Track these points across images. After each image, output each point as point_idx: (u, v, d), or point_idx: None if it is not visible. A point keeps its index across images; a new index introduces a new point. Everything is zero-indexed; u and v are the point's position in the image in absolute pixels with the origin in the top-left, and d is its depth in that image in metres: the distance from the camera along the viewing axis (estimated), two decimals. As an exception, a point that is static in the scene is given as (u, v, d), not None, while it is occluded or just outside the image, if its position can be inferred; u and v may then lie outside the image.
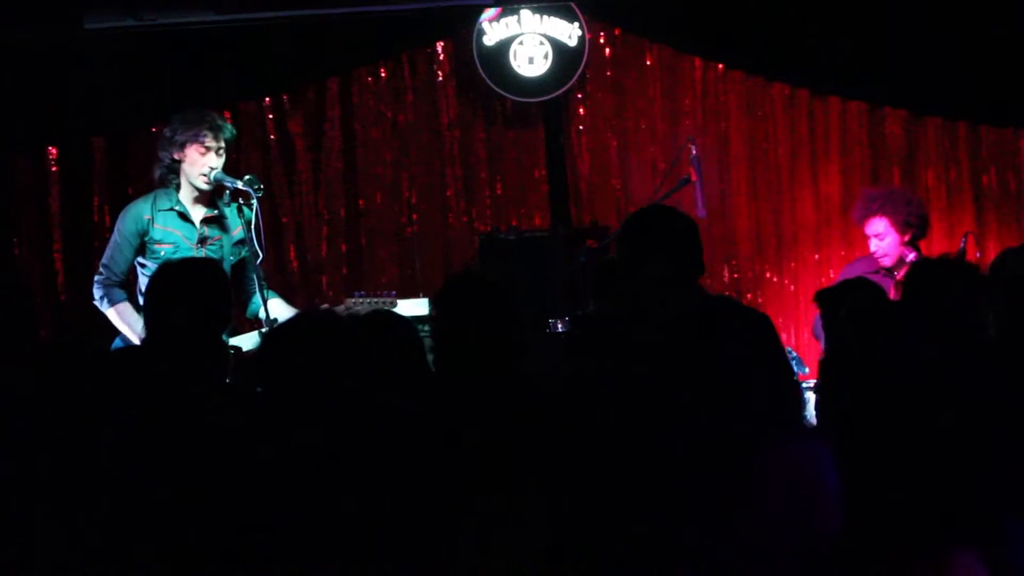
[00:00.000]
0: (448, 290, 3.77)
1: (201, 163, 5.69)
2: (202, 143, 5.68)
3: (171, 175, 5.75)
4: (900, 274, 6.58)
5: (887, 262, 6.63)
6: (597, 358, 3.48)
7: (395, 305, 5.82)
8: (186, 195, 5.78)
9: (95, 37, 7.16)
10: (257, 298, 5.68)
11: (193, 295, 4.02)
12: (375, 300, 5.83)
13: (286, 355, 3.10)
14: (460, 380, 3.45)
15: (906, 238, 6.63)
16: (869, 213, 6.65)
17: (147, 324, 4.09)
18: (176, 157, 5.71)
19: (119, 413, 3.04)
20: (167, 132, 5.77)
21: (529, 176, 7.94)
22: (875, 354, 3.28)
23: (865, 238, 6.80)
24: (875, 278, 6.58)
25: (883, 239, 6.61)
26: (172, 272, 4.20)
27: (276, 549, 2.78)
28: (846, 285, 4.62)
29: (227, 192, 5.76)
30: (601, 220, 7.76)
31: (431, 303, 3.84)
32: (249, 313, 5.88)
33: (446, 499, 2.82)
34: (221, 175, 5.69)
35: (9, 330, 3.91)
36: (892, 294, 6.53)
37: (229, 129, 5.82)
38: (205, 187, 5.73)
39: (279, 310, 5.76)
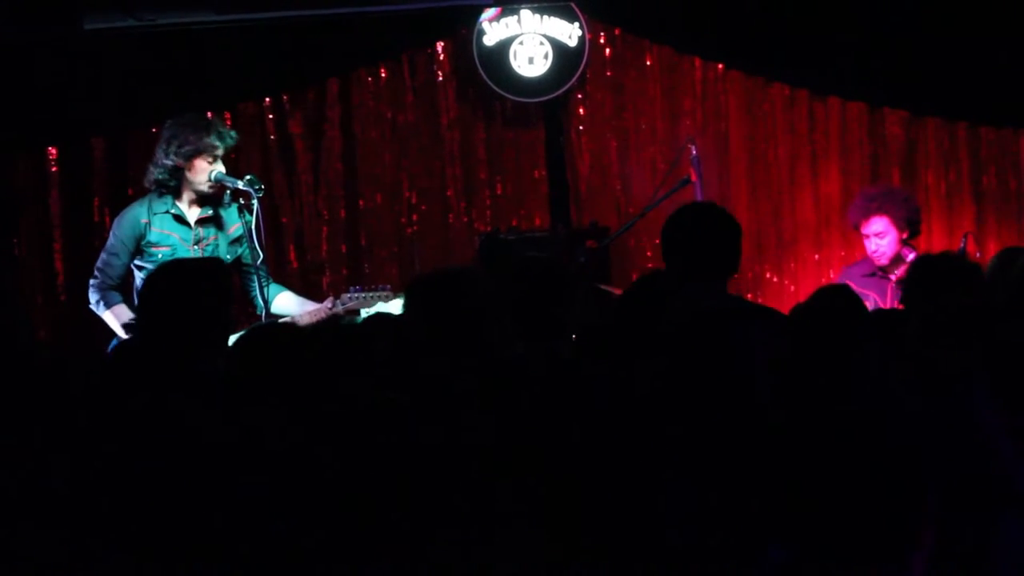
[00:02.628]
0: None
1: (207, 171, 5.71)
2: (212, 153, 5.69)
3: (171, 180, 5.74)
4: (896, 275, 6.58)
5: (884, 260, 6.62)
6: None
7: (391, 299, 5.84)
8: (184, 198, 5.79)
9: (95, 37, 7.15)
10: (258, 296, 5.71)
11: (193, 295, 4.01)
12: (371, 295, 5.87)
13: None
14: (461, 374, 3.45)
15: (904, 236, 6.63)
16: (869, 212, 6.64)
17: (142, 323, 4.07)
18: (181, 166, 5.70)
19: (110, 416, 3.03)
20: (172, 141, 5.70)
21: (529, 176, 7.94)
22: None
23: (862, 239, 6.80)
24: (871, 280, 6.61)
25: (883, 237, 6.61)
26: (172, 272, 4.19)
27: (271, 550, 2.77)
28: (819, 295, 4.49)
29: (228, 192, 5.78)
30: (601, 220, 7.76)
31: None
32: (259, 311, 5.90)
33: (445, 495, 2.82)
34: (222, 176, 5.72)
35: None
36: (889, 295, 6.54)
37: (232, 136, 5.83)
38: (209, 190, 5.74)
39: (289, 303, 5.83)
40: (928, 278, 4.12)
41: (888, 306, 6.47)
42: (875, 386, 3.19)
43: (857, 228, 6.77)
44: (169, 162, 5.71)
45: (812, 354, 3.39)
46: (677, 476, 2.86)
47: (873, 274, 6.66)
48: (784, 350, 3.47)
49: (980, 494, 3.15)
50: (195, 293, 3.98)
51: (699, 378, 3.15)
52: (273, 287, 5.91)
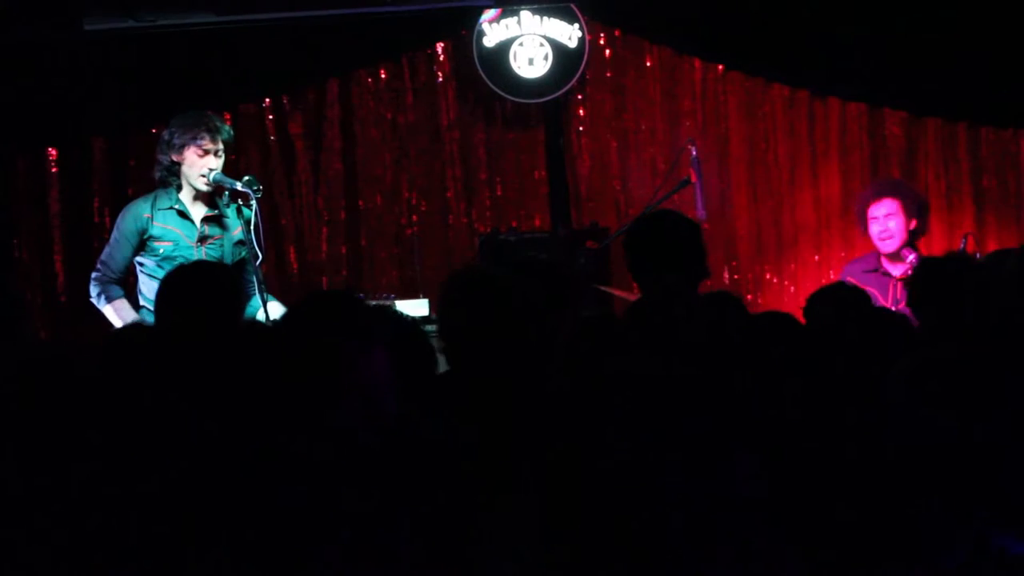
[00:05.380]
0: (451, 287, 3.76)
1: (200, 165, 5.72)
2: (200, 146, 5.71)
3: (171, 177, 5.79)
4: (898, 274, 6.59)
5: (892, 245, 6.60)
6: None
7: (394, 307, 5.84)
8: (186, 195, 5.81)
9: (95, 37, 7.15)
10: (256, 300, 5.69)
11: (206, 299, 4.03)
12: (373, 303, 5.86)
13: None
14: (468, 379, 3.45)
15: (911, 225, 6.61)
16: (881, 194, 6.65)
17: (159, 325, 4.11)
18: (175, 159, 5.75)
19: (122, 415, 3.03)
20: (165, 135, 5.81)
21: (529, 177, 7.94)
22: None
23: (863, 237, 6.80)
24: (872, 277, 6.62)
25: (892, 219, 6.60)
26: (184, 276, 4.21)
27: (274, 553, 2.78)
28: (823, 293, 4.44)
29: (226, 193, 5.79)
30: (601, 221, 7.76)
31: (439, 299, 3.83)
32: (247, 315, 5.88)
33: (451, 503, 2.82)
34: (220, 176, 5.72)
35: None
36: (890, 293, 6.54)
37: (227, 130, 5.85)
38: (205, 188, 5.75)
39: (277, 314, 5.77)
40: (933, 279, 4.11)
41: (889, 303, 6.48)
42: (881, 388, 3.18)
43: (863, 216, 6.74)
44: (164, 158, 5.78)
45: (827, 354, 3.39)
46: (689, 473, 2.86)
47: (875, 270, 6.66)
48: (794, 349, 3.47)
49: (979, 499, 3.14)
50: (213, 295, 4.01)
51: (713, 372, 3.16)
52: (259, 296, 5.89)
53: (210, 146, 5.73)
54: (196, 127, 5.74)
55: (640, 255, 4.62)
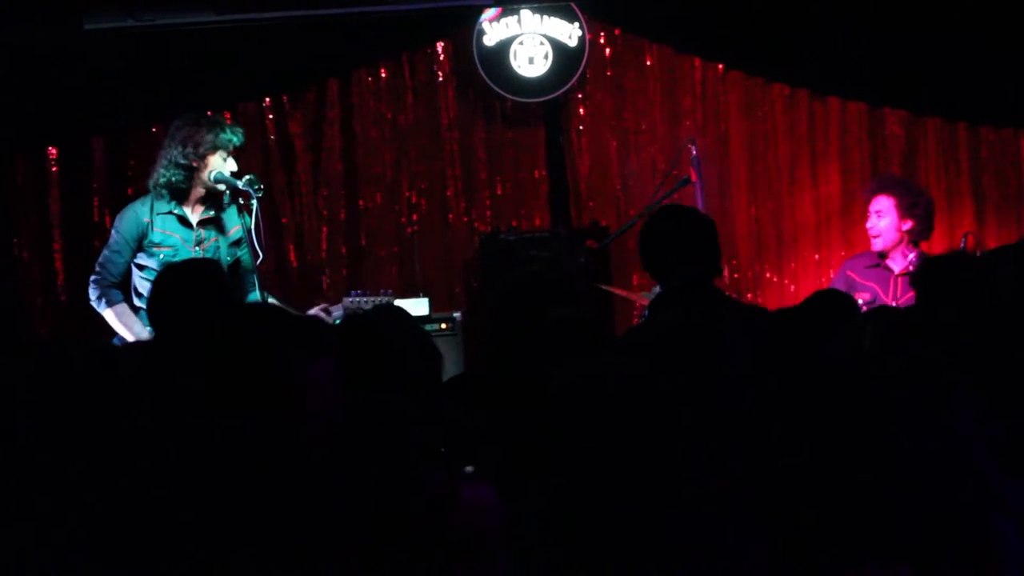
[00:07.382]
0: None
1: (222, 167, 5.72)
2: (227, 148, 5.72)
3: (183, 182, 5.73)
4: (899, 269, 6.59)
5: (879, 244, 6.61)
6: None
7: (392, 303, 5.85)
8: (190, 199, 5.79)
9: (95, 37, 7.15)
10: (253, 297, 5.70)
11: (197, 296, 4.04)
12: (373, 299, 5.89)
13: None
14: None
15: (905, 225, 6.58)
16: (879, 190, 6.65)
17: (153, 325, 4.12)
18: (195, 165, 5.71)
19: (119, 413, 3.03)
20: (188, 142, 5.69)
21: (529, 176, 7.94)
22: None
23: (862, 234, 6.80)
24: (873, 272, 6.63)
25: (882, 217, 6.59)
26: (176, 274, 4.22)
27: (277, 549, 2.77)
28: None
29: (227, 192, 5.79)
30: (601, 220, 7.77)
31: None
32: None
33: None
34: (223, 175, 5.72)
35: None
36: (891, 288, 6.55)
37: (241, 132, 5.90)
38: (217, 187, 5.75)
39: None
40: (936, 279, 4.10)
41: (889, 298, 6.49)
42: (863, 386, 3.18)
43: (867, 203, 6.75)
44: (185, 161, 5.71)
45: (796, 354, 3.39)
46: (673, 476, 2.86)
47: (876, 265, 6.66)
48: (769, 351, 3.47)
49: (966, 497, 3.14)
50: (205, 295, 4.02)
51: (686, 380, 3.15)
52: (258, 295, 5.89)
53: (232, 148, 5.76)
54: (220, 130, 5.73)
55: (661, 248, 4.63)
